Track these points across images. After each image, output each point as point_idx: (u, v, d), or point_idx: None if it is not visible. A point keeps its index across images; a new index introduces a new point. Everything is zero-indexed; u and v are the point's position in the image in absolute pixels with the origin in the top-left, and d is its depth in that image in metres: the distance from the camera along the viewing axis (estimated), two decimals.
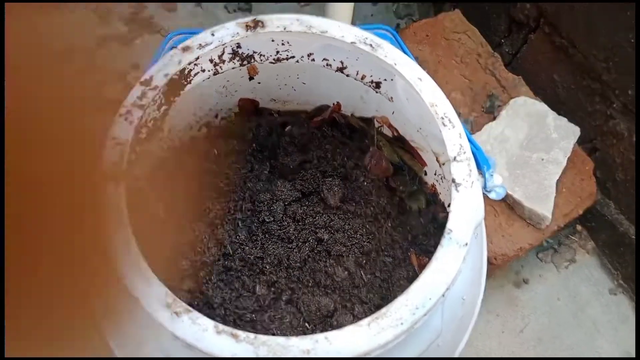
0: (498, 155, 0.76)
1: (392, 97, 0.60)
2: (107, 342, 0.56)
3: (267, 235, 0.65)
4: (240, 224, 0.65)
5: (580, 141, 0.86)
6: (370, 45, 0.54)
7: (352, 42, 0.54)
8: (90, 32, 1.04)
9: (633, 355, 0.85)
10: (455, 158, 0.48)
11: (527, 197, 0.74)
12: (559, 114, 0.86)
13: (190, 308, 0.42)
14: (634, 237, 0.83)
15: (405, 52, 0.62)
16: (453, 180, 0.47)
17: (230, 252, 0.63)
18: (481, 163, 0.52)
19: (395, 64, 0.53)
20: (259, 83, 0.73)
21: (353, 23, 1.08)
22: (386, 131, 0.72)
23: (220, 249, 0.63)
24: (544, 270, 0.90)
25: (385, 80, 0.59)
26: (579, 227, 0.92)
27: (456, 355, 0.57)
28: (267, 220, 0.66)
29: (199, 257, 0.62)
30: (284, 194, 0.67)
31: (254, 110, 0.78)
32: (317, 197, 0.69)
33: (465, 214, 0.46)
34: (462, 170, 0.47)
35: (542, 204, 0.74)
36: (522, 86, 0.85)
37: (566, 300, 0.88)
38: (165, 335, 0.44)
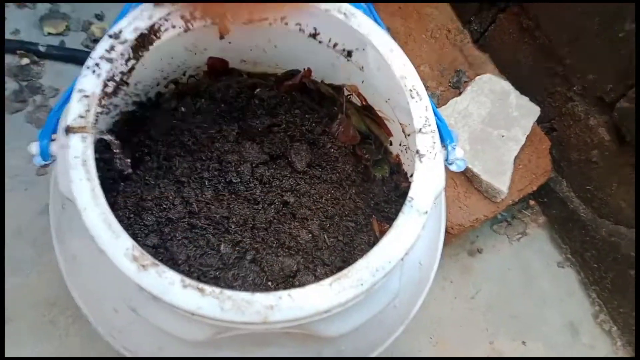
0: (461, 129, 0.79)
1: (362, 67, 0.61)
2: (69, 291, 0.56)
3: (233, 196, 0.66)
4: (206, 183, 0.66)
5: (540, 120, 0.90)
6: (345, 14, 0.54)
7: (326, 10, 0.54)
8: None
9: (575, 325, 0.91)
10: (420, 130, 0.50)
11: (485, 171, 0.77)
12: (522, 93, 0.88)
13: (157, 262, 0.42)
14: (583, 215, 0.88)
15: (378, 23, 0.63)
16: (417, 152, 0.49)
17: (196, 210, 0.64)
18: (445, 136, 0.54)
19: (368, 34, 0.54)
20: (230, 43, 0.72)
21: None
22: (355, 100, 0.73)
23: (186, 207, 0.64)
24: (498, 241, 0.94)
25: (357, 49, 0.60)
26: (532, 202, 0.96)
27: (411, 316, 0.61)
28: (234, 181, 0.66)
29: (164, 213, 0.63)
30: (251, 155, 0.68)
31: (223, 70, 0.78)
32: (284, 161, 0.70)
33: (427, 184, 0.48)
34: (427, 142, 0.49)
35: (499, 179, 0.77)
36: (489, 64, 0.87)
37: (517, 271, 0.93)
38: (130, 287, 0.45)
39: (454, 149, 0.54)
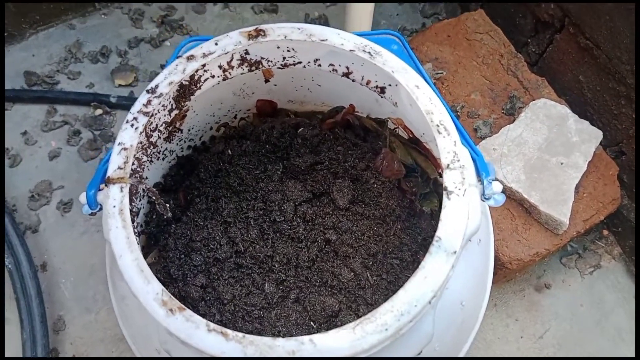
0: (515, 158, 0.75)
1: (396, 102, 0.60)
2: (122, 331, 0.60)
3: (277, 235, 0.67)
4: (252, 223, 0.68)
5: (607, 145, 0.84)
6: (369, 53, 0.54)
7: (351, 50, 0.54)
8: (124, 34, 1.08)
9: None
10: (448, 166, 0.48)
11: (543, 201, 0.73)
12: (586, 116, 0.83)
13: (184, 306, 0.44)
14: None
15: (411, 57, 0.62)
16: (445, 188, 0.47)
17: (242, 249, 0.65)
18: (480, 170, 0.52)
19: (393, 72, 0.53)
20: (275, 85, 0.75)
21: (377, 22, 1.08)
22: (402, 133, 0.72)
23: (232, 247, 0.66)
24: (567, 275, 0.88)
25: (389, 85, 0.60)
26: (605, 232, 0.89)
27: (461, 356, 0.58)
28: (278, 219, 0.67)
29: (212, 253, 0.65)
30: (294, 194, 0.69)
31: (271, 111, 0.80)
32: (327, 198, 0.70)
33: (456, 223, 0.46)
34: (455, 178, 0.48)
35: (559, 209, 0.72)
36: (545, 87, 0.83)
37: (589, 307, 0.86)
38: (163, 331, 0.47)
39: (491, 182, 0.51)
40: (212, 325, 0.43)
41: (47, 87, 1.04)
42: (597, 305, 0.86)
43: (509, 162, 0.75)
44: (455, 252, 0.45)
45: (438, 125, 0.50)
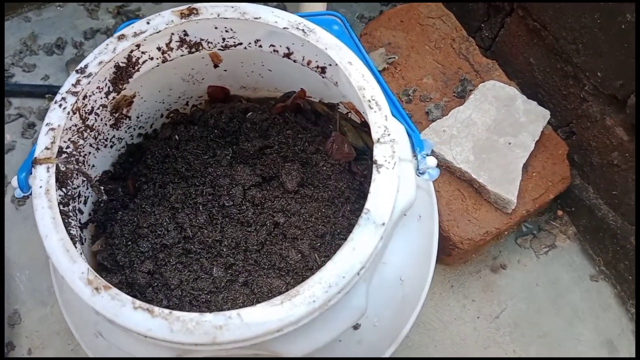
0: (464, 139, 0.76)
1: (336, 82, 0.60)
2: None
3: (226, 219, 0.67)
4: (200, 208, 0.67)
5: (558, 125, 0.85)
6: (303, 30, 0.54)
7: (284, 28, 0.54)
8: (79, 25, 1.07)
9: (614, 343, 0.83)
10: (378, 140, 0.49)
11: (491, 181, 0.73)
12: (537, 97, 0.84)
13: (110, 285, 0.43)
14: (612, 222, 0.81)
15: (352, 37, 0.63)
16: (375, 162, 0.48)
17: (190, 234, 0.65)
18: (415, 145, 0.52)
19: (326, 49, 0.53)
20: (225, 71, 0.74)
21: (335, 10, 1.08)
22: (354, 117, 0.73)
23: (180, 232, 0.65)
24: (523, 255, 0.89)
25: (329, 65, 0.60)
26: (560, 213, 0.90)
27: (401, 337, 0.58)
28: (227, 204, 0.67)
29: (159, 239, 0.64)
30: (243, 178, 0.69)
31: (224, 98, 0.80)
32: (276, 182, 0.70)
33: (385, 195, 0.46)
34: (385, 151, 0.48)
35: (507, 188, 0.73)
36: (496, 70, 0.84)
37: (545, 287, 0.87)
38: (92, 310, 0.46)
39: (425, 157, 0.52)
40: (137, 302, 0.43)
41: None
42: (552, 285, 0.87)
43: (458, 144, 0.75)
44: (383, 224, 0.45)
45: (369, 101, 0.50)
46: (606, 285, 0.86)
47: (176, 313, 0.43)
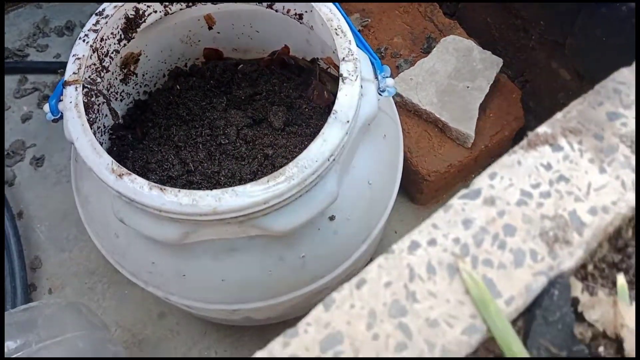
0: (429, 85, 0.87)
1: (312, 26, 0.72)
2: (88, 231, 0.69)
3: (223, 155, 0.78)
4: (200, 146, 0.78)
5: (514, 76, 0.96)
6: None
7: None
8: (87, 9, 1.19)
9: None
10: (344, 59, 0.60)
11: (453, 119, 0.85)
12: (495, 52, 0.96)
13: (130, 172, 0.54)
14: None
15: None
16: (340, 75, 0.59)
17: (192, 168, 0.76)
18: (377, 69, 0.63)
19: None
20: (219, 33, 0.86)
21: None
22: (333, 72, 0.84)
23: (184, 167, 0.76)
24: None
25: (306, 12, 0.71)
26: None
27: (373, 235, 0.69)
28: (223, 142, 0.78)
29: (165, 172, 0.75)
30: (237, 120, 0.80)
31: (218, 59, 0.91)
32: (265, 123, 0.81)
33: (349, 100, 0.57)
34: (349, 67, 0.59)
35: (466, 124, 0.84)
36: (457, 29, 0.96)
37: None
38: (116, 200, 0.57)
39: (385, 78, 0.63)
40: (152, 184, 0.54)
41: (18, 59, 1.14)
42: None
43: (423, 89, 0.87)
44: (348, 122, 0.56)
45: (336, 29, 0.61)
46: None
47: (184, 191, 0.53)
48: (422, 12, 0.98)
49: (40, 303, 0.67)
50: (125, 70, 0.79)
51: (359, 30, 0.97)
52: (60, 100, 0.63)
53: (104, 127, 0.74)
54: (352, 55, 0.60)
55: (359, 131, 0.61)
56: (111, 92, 0.76)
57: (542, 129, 0.36)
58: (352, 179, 0.64)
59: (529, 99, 0.94)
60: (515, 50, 0.94)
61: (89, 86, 0.62)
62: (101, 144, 0.73)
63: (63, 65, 1.11)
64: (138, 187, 0.53)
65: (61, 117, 0.63)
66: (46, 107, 0.63)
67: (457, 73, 0.88)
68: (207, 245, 0.60)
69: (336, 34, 0.61)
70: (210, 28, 0.85)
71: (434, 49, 0.90)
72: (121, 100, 0.81)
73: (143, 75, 0.83)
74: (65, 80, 0.59)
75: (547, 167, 0.33)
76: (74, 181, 0.71)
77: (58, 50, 1.15)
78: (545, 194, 0.32)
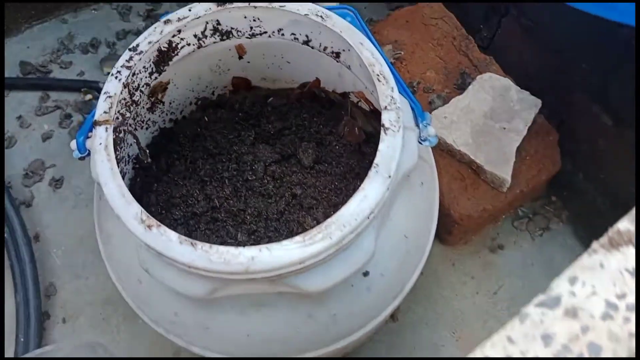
0: (464, 125, 0.84)
1: (349, 66, 0.69)
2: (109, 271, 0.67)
3: (249, 191, 0.75)
4: (226, 182, 0.76)
5: (550, 115, 0.93)
6: (321, 16, 0.63)
7: (305, 14, 0.63)
8: (112, 27, 1.17)
9: None
10: (386, 107, 0.57)
11: (488, 162, 0.81)
12: (530, 90, 0.92)
13: (160, 223, 0.51)
14: (602, 205, 0.89)
15: (362, 27, 0.71)
16: (383, 125, 0.56)
17: (217, 205, 0.73)
18: (417, 116, 0.60)
19: (341, 32, 0.62)
20: (249, 62, 0.83)
21: None
22: (364, 106, 0.81)
23: (209, 202, 0.73)
24: (519, 237, 0.96)
25: (343, 50, 0.68)
26: (553, 198, 0.98)
27: (405, 289, 0.66)
28: (250, 178, 0.75)
29: (190, 208, 0.72)
30: (264, 155, 0.77)
31: (246, 88, 0.89)
32: (294, 159, 0.78)
33: (391, 153, 0.54)
34: (391, 117, 0.56)
35: (502, 168, 0.81)
36: (493, 65, 0.93)
37: (540, 266, 0.94)
38: (143, 250, 0.54)
39: (426, 127, 0.60)
40: (183, 237, 0.51)
41: (41, 75, 1.12)
42: (547, 264, 0.94)
43: (458, 128, 0.84)
44: (389, 176, 0.53)
45: (378, 75, 0.59)
46: None
47: (215, 247, 0.50)
48: (457, 46, 0.95)
49: (56, 347, 0.64)
50: (152, 99, 0.77)
51: (392, 63, 0.95)
52: (88, 137, 0.60)
53: (128, 156, 0.72)
54: (394, 104, 0.57)
55: (398, 183, 0.58)
56: (137, 121, 0.74)
57: (624, 225, 0.33)
58: (388, 232, 0.61)
59: (565, 141, 0.91)
60: (553, 89, 0.90)
61: (119, 124, 0.59)
62: (125, 173, 0.71)
63: (87, 83, 1.10)
64: (168, 240, 0.51)
65: (88, 154, 0.61)
66: (73, 144, 0.60)
67: (493, 113, 0.85)
68: (233, 300, 0.57)
69: (378, 80, 0.58)
70: (240, 57, 0.82)
71: (470, 86, 0.87)
72: (147, 129, 0.78)
73: (170, 103, 0.81)
74: (96, 120, 0.56)
75: (633, 273, 0.30)
76: (96, 216, 0.68)
77: (82, 68, 1.13)
78: (631, 307, 0.29)
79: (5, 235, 0.93)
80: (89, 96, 1.10)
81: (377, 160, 0.54)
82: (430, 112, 0.87)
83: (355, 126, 0.81)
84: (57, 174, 1.03)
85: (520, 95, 0.86)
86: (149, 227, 0.51)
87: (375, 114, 0.80)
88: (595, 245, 0.32)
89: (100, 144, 0.55)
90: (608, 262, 0.31)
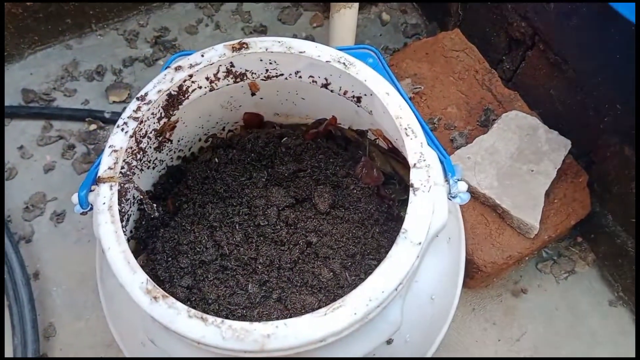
0: (488, 166, 0.79)
1: (371, 111, 0.64)
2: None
3: (261, 238, 0.70)
4: (237, 227, 0.71)
5: (578, 155, 0.88)
6: (344, 63, 0.59)
7: (327, 61, 0.59)
8: (119, 54, 1.13)
9: None
10: (415, 165, 0.52)
11: (515, 206, 0.76)
12: (558, 127, 0.88)
13: (166, 294, 0.47)
14: (631, 249, 0.84)
15: (385, 69, 0.67)
16: (411, 185, 0.51)
17: (227, 252, 0.69)
18: (447, 170, 0.55)
19: (365, 80, 0.58)
20: (262, 98, 0.79)
21: (361, 42, 1.13)
22: (382, 144, 0.77)
23: (218, 250, 0.69)
24: (543, 280, 0.91)
25: (365, 95, 0.64)
26: (579, 239, 0.93)
27: (429, 353, 0.61)
28: (262, 224, 0.71)
29: (198, 256, 0.68)
30: (278, 199, 0.72)
31: (258, 124, 0.85)
32: (309, 203, 0.74)
33: (421, 216, 0.50)
34: (421, 175, 0.51)
35: (530, 214, 0.76)
36: (518, 101, 0.88)
37: (564, 311, 0.89)
38: (148, 319, 0.50)
39: (457, 182, 0.55)
40: (192, 311, 0.46)
41: (44, 103, 1.08)
42: (571, 310, 0.89)
43: (482, 170, 0.79)
44: (420, 243, 0.48)
45: (406, 129, 0.54)
46: (625, 311, 0.88)
47: (227, 322, 0.46)
48: (480, 81, 0.90)
49: None
50: (160, 138, 0.72)
51: (411, 98, 0.90)
52: (92, 191, 0.56)
53: (134, 198, 0.67)
54: (424, 161, 0.52)
55: (427, 246, 0.53)
56: (144, 162, 0.69)
57: None
58: (414, 296, 0.56)
59: (594, 182, 0.86)
60: (582, 128, 0.85)
61: (124, 180, 0.55)
62: (130, 215, 0.66)
63: (92, 113, 1.06)
64: (175, 313, 0.46)
65: (91, 208, 0.56)
66: (74, 198, 0.56)
67: (520, 154, 0.80)
68: None
69: (406, 134, 0.54)
70: (253, 94, 0.78)
71: (494, 124, 0.83)
72: (153, 168, 0.74)
73: (178, 141, 0.77)
74: (100, 177, 0.52)
75: None
76: (98, 270, 0.64)
77: (87, 96, 1.09)
78: None
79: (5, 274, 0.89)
80: (93, 126, 1.06)
81: (406, 224, 0.49)
82: (453, 152, 0.83)
83: (373, 167, 0.76)
84: (58, 207, 0.99)
85: (549, 136, 0.81)
86: (155, 298, 0.47)
87: (394, 153, 0.76)
88: None
89: (104, 203, 0.51)
90: None
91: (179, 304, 0.47)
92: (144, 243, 0.71)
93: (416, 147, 0.53)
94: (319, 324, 0.46)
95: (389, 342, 0.55)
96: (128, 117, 0.55)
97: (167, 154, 0.76)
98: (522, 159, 0.80)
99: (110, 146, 0.54)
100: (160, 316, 0.46)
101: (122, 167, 0.57)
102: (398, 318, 0.50)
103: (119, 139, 0.54)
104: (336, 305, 0.46)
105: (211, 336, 0.45)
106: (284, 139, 0.79)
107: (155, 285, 0.47)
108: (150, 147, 0.70)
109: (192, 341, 0.46)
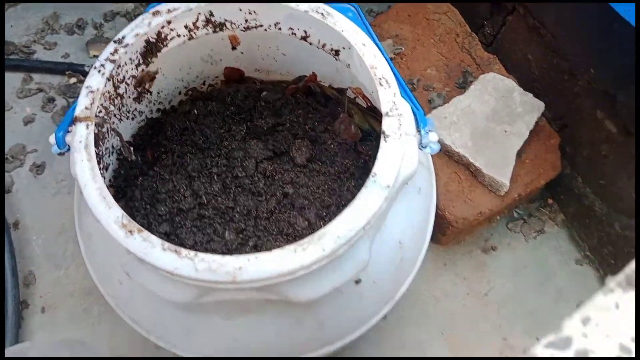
0: (464, 126, 0.81)
1: (349, 64, 0.65)
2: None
3: (239, 189, 0.72)
4: (215, 178, 0.72)
5: (552, 118, 0.90)
6: (322, 14, 0.59)
7: (305, 11, 0.59)
8: (100, 7, 1.12)
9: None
10: (387, 113, 0.54)
11: (487, 165, 0.79)
12: (534, 91, 0.90)
13: (142, 228, 0.48)
14: (599, 209, 0.87)
15: (364, 24, 0.68)
16: (383, 132, 0.53)
17: (205, 201, 0.70)
18: (419, 122, 0.57)
19: (342, 31, 0.58)
20: (242, 53, 0.79)
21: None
22: (361, 102, 0.78)
23: (196, 199, 0.70)
24: (513, 239, 0.94)
25: (343, 48, 0.65)
26: (550, 201, 0.96)
27: (397, 297, 0.63)
28: (240, 175, 0.72)
29: (176, 204, 0.69)
30: (256, 152, 0.74)
31: (238, 79, 0.85)
32: (287, 157, 0.75)
33: (391, 162, 0.51)
34: (392, 123, 0.53)
35: (501, 172, 0.78)
36: (496, 64, 0.89)
37: (532, 269, 0.92)
38: (124, 253, 0.51)
39: (428, 133, 0.57)
40: (166, 244, 0.48)
41: (24, 56, 1.07)
42: (539, 267, 0.92)
43: (457, 129, 0.81)
44: (388, 186, 0.50)
45: (380, 79, 0.55)
46: (590, 270, 0.92)
47: (201, 254, 0.48)
48: (460, 44, 0.91)
49: (31, 344, 0.62)
50: (139, 89, 0.73)
51: (391, 59, 0.91)
52: (69, 132, 0.57)
53: (112, 147, 0.68)
54: (396, 110, 0.54)
55: (396, 191, 0.55)
56: (123, 112, 0.70)
57: None
58: (382, 240, 0.58)
59: (566, 144, 0.88)
60: (557, 92, 0.87)
61: (101, 121, 0.56)
62: (108, 165, 0.67)
63: (72, 66, 1.05)
64: (150, 246, 0.48)
65: (68, 149, 0.57)
66: (52, 139, 0.57)
67: (495, 115, 0.82)
68: (219, 305, 0.55)
69: (380, 84, 0.55)
70: (234, 48, 0.78)
71: (472, 86, 0.84)
72: (132, 119, 0.74)
73: (158, 93, 0.77)
74: (76, 116, 0.53)
75: None
76: (76, 212, 0.65)
77: (67, 50, 1.09)
78: None
79: None
80: (73, 79, 1.05)
81: (375, 169, 0.51)
82: (430, 111, 0.85)
83: (351, 124, 0.77)
84: (38, 159, 0.99)
85: (524, 98, 0.83)
86: (130, 232, 0.48)
87: (372, 111, 0.77)
88: (611, 283, 0.30)
89: (80, 142, 0.52)
90: (624, 304, 0.28)
91: (153, 237, 0.48)
92: (123, 191, 0.72)
93: (389, 96, 0.54)
94: (289, 257, 0.47)
95: (358, 282, 0.57)
96: (105, 60, 0.56)
97: (146, 106, 0.76)
98: (496, 119, 0.82)
99: (87, 87, 0.54)
100: (135, 249, 0.48)
101: (100, 111, 0.58)
102: (365, 257, 0.52)
103: (95, 81, 0.55)
104: (305, 241, 0.48)
105: (184, 268, 0.47)
106: (264, 94, 0.80)
107: (131, 219, 0.49)
108: (130, 96, 0.70)
109: (166, 273, 0.48)
